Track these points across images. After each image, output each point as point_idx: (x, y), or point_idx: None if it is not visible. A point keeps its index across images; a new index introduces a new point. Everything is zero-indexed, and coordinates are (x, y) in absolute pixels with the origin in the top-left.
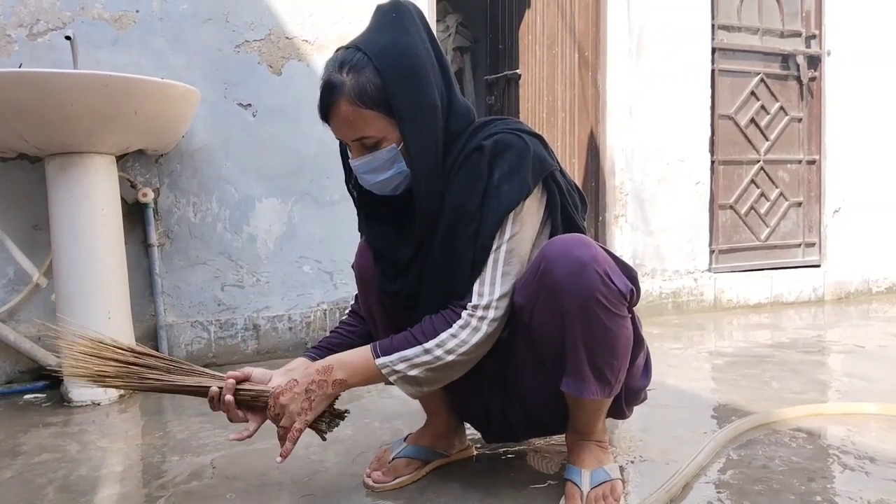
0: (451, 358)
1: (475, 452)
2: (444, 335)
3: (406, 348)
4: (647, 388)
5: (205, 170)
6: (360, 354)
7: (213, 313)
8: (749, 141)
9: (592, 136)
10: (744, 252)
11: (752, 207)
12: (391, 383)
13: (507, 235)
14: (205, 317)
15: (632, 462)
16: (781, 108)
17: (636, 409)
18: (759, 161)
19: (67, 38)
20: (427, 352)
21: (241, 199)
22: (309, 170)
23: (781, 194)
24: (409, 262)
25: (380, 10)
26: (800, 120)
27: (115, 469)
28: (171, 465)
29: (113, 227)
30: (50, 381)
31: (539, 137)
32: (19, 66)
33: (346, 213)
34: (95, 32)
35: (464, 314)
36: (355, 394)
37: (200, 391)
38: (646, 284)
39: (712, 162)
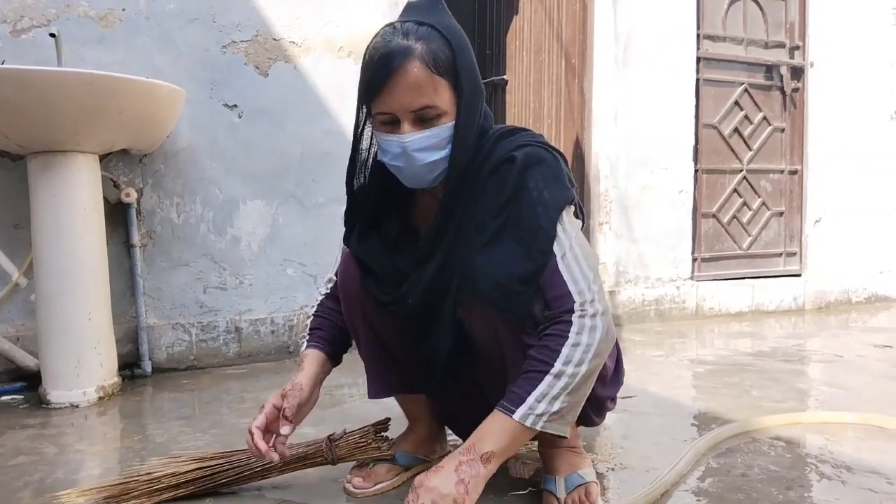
0: (583, 370)
1: None
2: (566, 350)
3: (535, 386)
4: (617, 395)
5: (189, 170)
6: (495, 421)
7: (194, 315)
8: (732, 150)
9: (578, 142)
10: (726, 261)
11: (734, 216)
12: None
13: (571, 236)
14: (186, 319)
15: (612, 469)
16: (765, 118)
17: (617, 416)
18: (741, 170)
19: (52, 35)
20: (558, 377)
21: (226, 200)
22: (294, 172)
23: (763, 204)
24: (416, 272)
25: (418, 2)
26: (783, 130)
27: (92, 472)
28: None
29: (95, 227)
30: (28, 383)
31: (562, 155)
32: (2, 63)
33: (332, 216)
34: (81, 30)
35: (574, 319)
36: (336, 398)
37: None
38: (628, 292)
39: (696, 170)
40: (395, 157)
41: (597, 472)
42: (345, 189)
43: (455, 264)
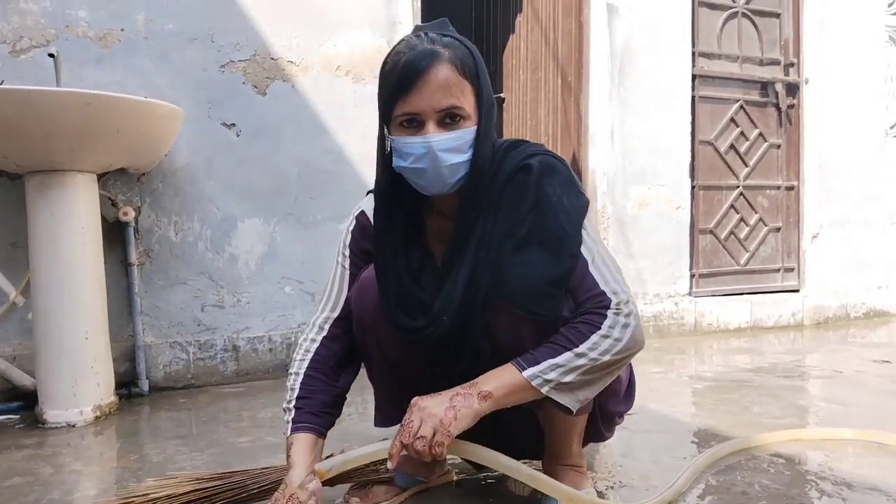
0: (606, 359)
1: (455, 478)
2: (594, 338)
3: (554, 356)
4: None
5: (187, 189)
6: (504, 370)
7: (192, 334)
8: (729, 166)
9: (575, 159)
10: (724, 276)
11: (731, 232)
12: (544, 400)
13: (597, 241)
14: (184, 337)
15: (612, 487)
16: (760, 134)
17: (617, 433)
18: (738, 186)
19: (51, 55)
20: (579, 356)
21: (223, 218)
22: (292, 190)
23: (761, 219)
24: (445, 290)
25: (429, 24)
26: (778, 146)
27: (88, 493)
28: None
29: (92, 246)
30: (24, 402)
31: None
32: (1, 83)
33: (330, 234)
34: (79, 50)
35: (608, 314)
36: None
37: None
38: None
39: (692, 187)
40: (417, 158)
41: (597, 491)
42: (374, 207)
43: (483, 275)
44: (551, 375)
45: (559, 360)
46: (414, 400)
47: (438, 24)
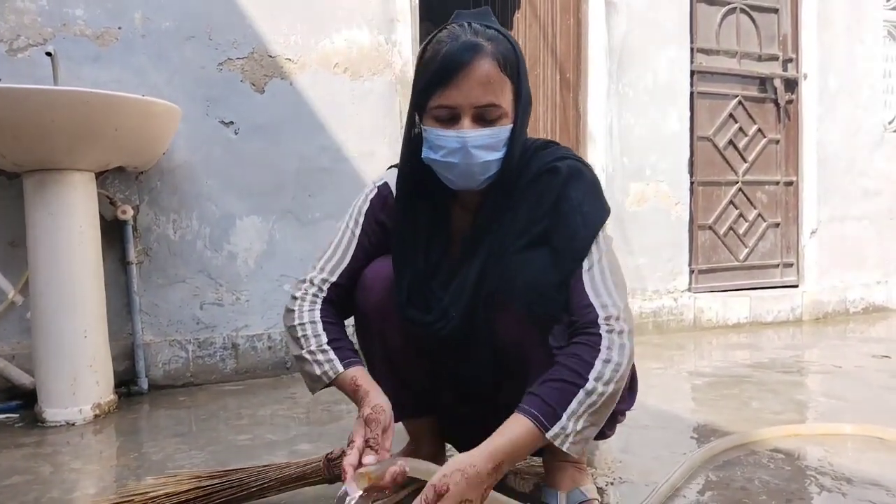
0: (610, 389)
1: None
2: (598, 365)
3: (569, 401)
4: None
5: (185, 187)
6: (525, 432)
7: (191, 332)
8: (727, 162)
9: None
10: (723, 272)
11: (730, 228)
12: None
13: (602, 250)
14: (183, 335)
15: (612, 483)
16: (759, 130)
17: (616, 429)
18: (737, 182)
19: (48, 54)
20: (589, 393)
21: (222, 216)
22: (291, 187)
23: (759, 215)
24: (456, 283)
25: (470, 12)
26: (777, 142)
27: (88, 491)
28: None
29: (91, 245)
30: (23, 401)
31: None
32: None
33: (328, 232)
34: (77, 49)
35: (603, 333)
36: (334, 414)
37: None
38: None
39: (691, 182)
40: (450, 152)
41: (597, 487)
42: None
43: (492, 272)
44: (570, 427)
45: (573, 405)
46: (439, 488)
47: (482, 13)
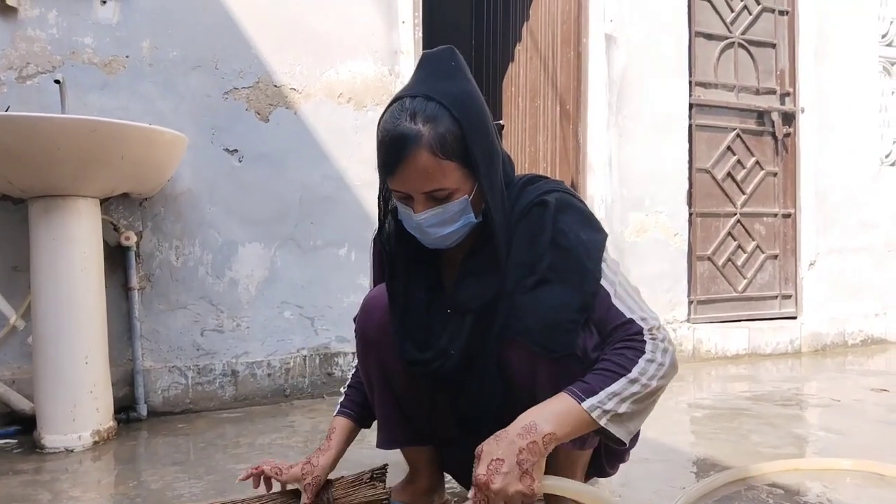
0: (653, 384)
1: None
2: (642, 363)
3: (609, 384)
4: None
5: (188, 214)
6: (560, 402)
7: (191, 358)
8: (726, 194)
9: (573, 186)
10: (722, 303)
11: (729, 259)
12: (599, 431)
13: (617, 273)
14: (183, 362)
15: None
16: (757, 162)
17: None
18: (735, 214)
19: (57, 81)
20: (632, 382)
21: (224, 243)
22: (293, 215)
23: (758, 247)
24: (453, 321)
25: (434, 57)
26: (775, 174)
27: None
28: None
29: (94, 271)
30: (22, 426)
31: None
32: (7, 109)
33: (330, 259)
34: (85, 76)
35: (647, 339)
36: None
37: None
38: None
39: (690, 214)
40: (411, 228)
41: None
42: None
43: (498, 309)
44: (609, 405)
45: (615, 387)
46: (481, 481)
47: (441, 59)
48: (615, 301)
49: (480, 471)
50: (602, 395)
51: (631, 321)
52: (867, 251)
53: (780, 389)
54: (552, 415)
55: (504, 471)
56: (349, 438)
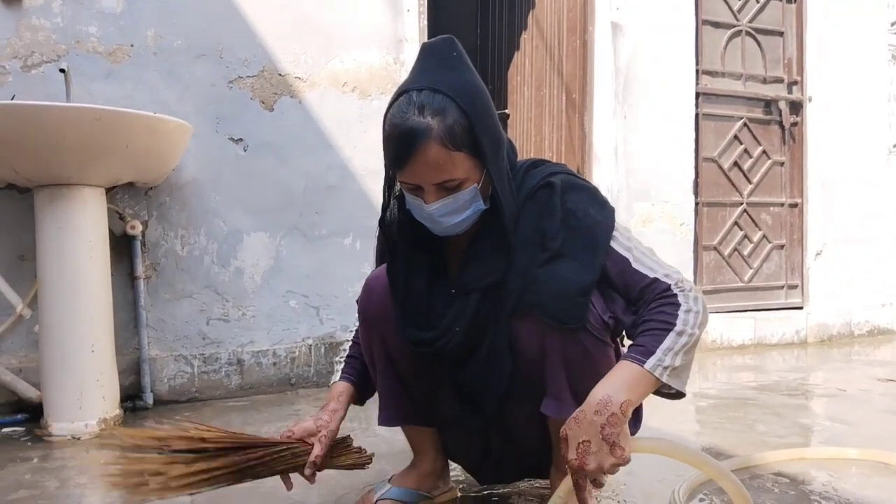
0: (697, 332)
1: (459, 494)
2: (682, 315)
3: (661, 340)
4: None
5: (194, 203)
6: (624, 369)
7: (197, 347)
8: (732, 183)
9: (579, 175)
10: (727, 293)
11: (735, 249)
12: (661, 390)
13: (630, 238)
14: (189, 350)
15: None
16: (764, 151)
17: None
18: (742, 203)
19: (62, 70)
20: (680, 334)
21: (230, 232)
22: (298, 204)
23: (764, 237)
24: (459, 301)
25: (435, 48)
26: (782, 164)
27: None
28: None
29: (100, 260)
30: (30, 414)
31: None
32: (12, 98)
33: (335, 248)
34: (89, 65)
35: (676, 292)
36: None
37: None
38: None
39: (696, 203)
40: (422, 218)
41: None
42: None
43: (512, 285)
44: (667, 361)
45: (667, 343)
46: (572, 462)
47: (444, 49)
48: (636, 265)
49: (571, 455)
50: (658, 353)
51: (656, 280)
52: (874, 241)
53: (785, 379)
54: (622, 383)
55: (594, 451)
56: (349, 401)
